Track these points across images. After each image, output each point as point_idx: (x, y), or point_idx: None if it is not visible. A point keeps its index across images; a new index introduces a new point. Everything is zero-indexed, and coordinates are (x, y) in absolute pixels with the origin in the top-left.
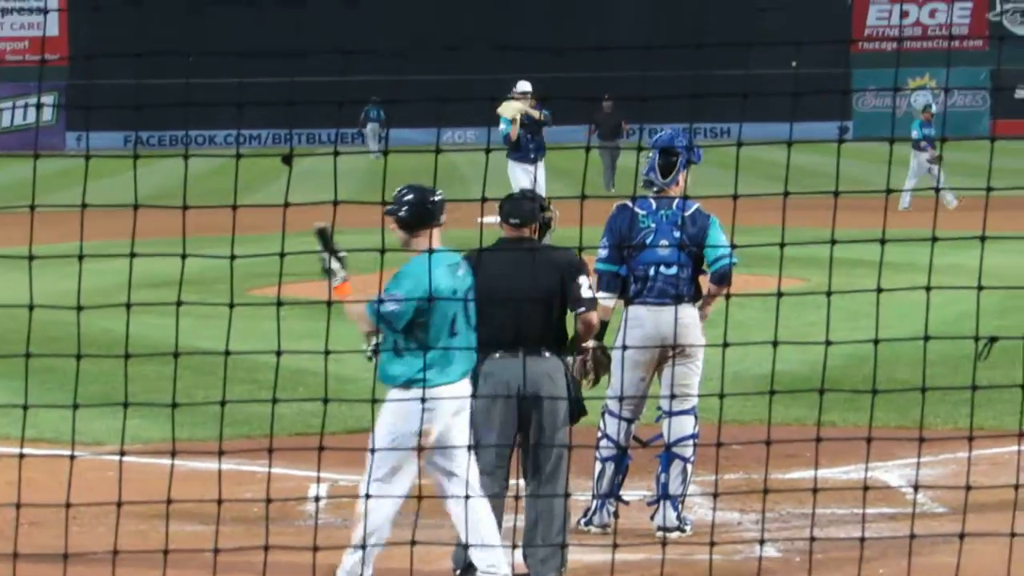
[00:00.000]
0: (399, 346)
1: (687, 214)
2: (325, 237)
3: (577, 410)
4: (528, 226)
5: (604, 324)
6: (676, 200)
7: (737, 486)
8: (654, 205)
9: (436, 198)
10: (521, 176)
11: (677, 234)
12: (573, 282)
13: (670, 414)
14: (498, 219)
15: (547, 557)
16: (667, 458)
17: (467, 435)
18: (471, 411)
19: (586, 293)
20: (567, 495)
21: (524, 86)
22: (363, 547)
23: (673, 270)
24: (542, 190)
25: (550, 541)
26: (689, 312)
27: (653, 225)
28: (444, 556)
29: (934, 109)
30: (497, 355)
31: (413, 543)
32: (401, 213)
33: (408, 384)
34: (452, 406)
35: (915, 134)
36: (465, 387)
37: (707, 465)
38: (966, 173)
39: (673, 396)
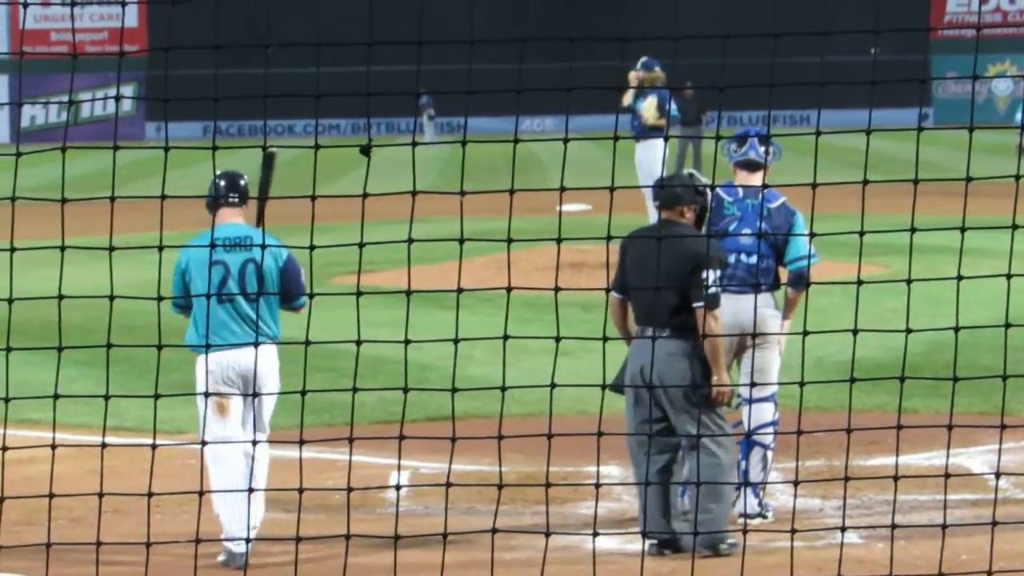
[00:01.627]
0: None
1: (773, 206)
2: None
3: (708, 393)
4: (671, 208)
5: None
6: (764, 191)
7: (819, 473)
8: (741, 193)
9: (221, 183)
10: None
11: (764, 226)
12: (696, 275)
13: (750, 401)
14: (579, 207)
15: (703, 537)
16: (747, 445)
17: (261, 402)
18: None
19: (712, 289)
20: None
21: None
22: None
23: (754, 259)
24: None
25: (700, 519)
26: (768, 301)
27: (738, 213)
28: (525, 542)
29: None
30: (636, 334)
31: (494, 531)
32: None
33: (194, 350)
34: (229, 372)
35: (1018, 117)
36: (240, 355)
37: (788, 452)
38: None
39: (752, 384)
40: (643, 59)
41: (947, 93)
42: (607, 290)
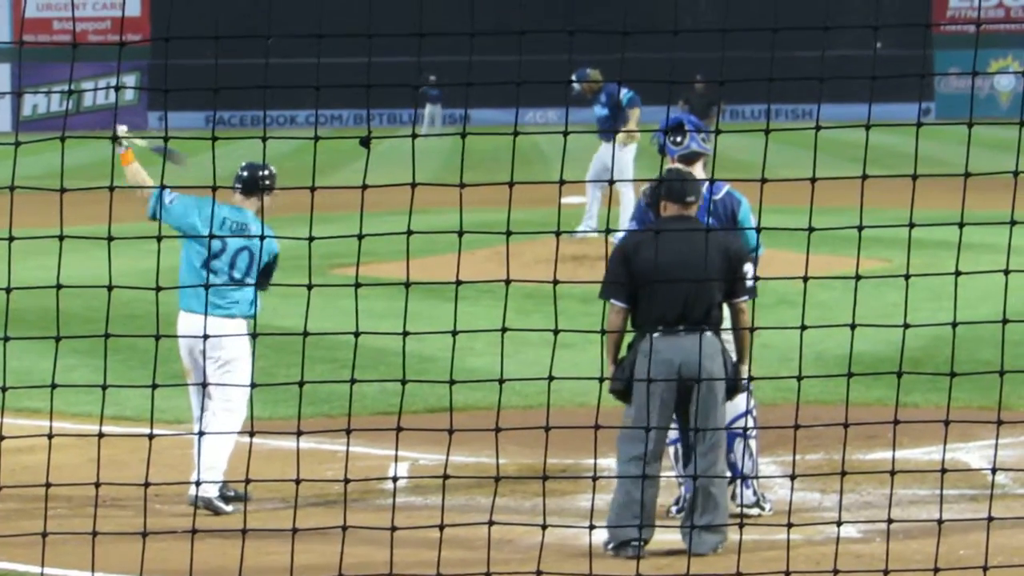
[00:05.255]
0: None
1: (718, 197)
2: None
3: (733, 388)
4: (684, 203)
5: None
6: (705, 183)
7: (819, 466)
8: None
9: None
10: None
11: (711, 220)
12: (738, 269)
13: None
14: (581, 200)
15: (710, 534)
16: (730, 438)
17: (212, 374)
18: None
19: (750, 283)
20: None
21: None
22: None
23: None
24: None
25: (714, 519)
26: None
27: None
28: (523, 534)
29: None
30: (657, 333)
31: (491, 523)
32: None
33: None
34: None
35: None
36: (190, 320)
37: (787, 445)
38: None
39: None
40: (575, 74)
41: (949, 88)
42: (603, 297)
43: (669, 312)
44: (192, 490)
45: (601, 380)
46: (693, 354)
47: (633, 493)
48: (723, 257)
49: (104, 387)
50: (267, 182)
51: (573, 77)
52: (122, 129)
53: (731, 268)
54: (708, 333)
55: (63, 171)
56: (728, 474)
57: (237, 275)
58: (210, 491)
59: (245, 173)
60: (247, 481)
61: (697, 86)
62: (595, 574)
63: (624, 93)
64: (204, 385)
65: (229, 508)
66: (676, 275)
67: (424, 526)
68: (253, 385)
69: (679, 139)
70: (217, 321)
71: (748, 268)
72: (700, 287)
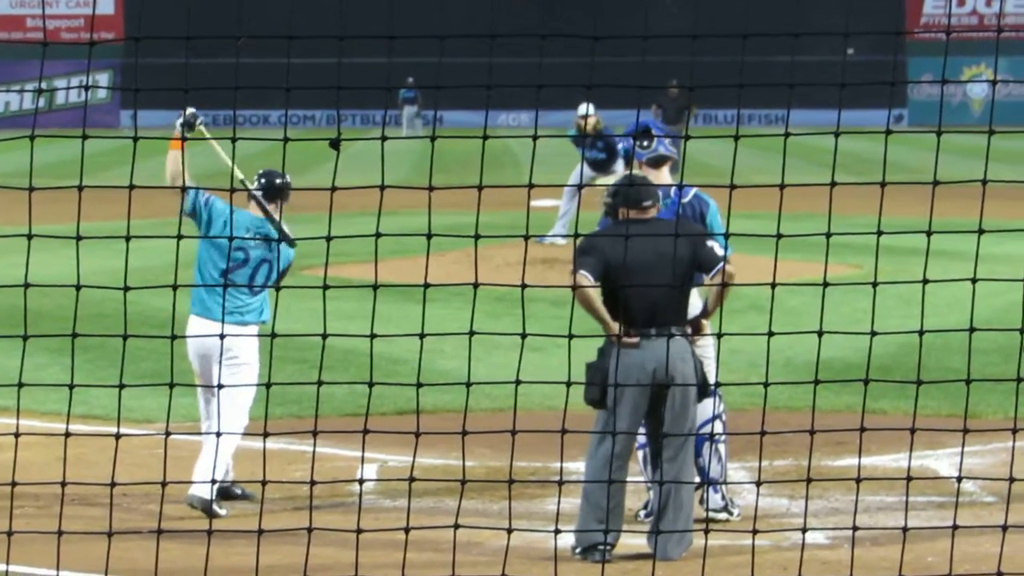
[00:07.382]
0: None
1: (686, 200)
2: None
3: (703, 390)
4: (654, 207)
5: None
6: (673, 187)
7: (787, 473)
8: None
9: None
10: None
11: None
12: (702, 250)
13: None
14: (551, 203)
15: (677, 539)
16: (699, 442)
17: (226, 377)
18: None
19: (720, 251)
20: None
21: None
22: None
23: None
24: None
25: (679, 524)
26: (694, 299)
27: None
28: (489, 538)
29: None
30: (630, 336)
31: (456, 527)
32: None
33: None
34: (193, 344)
35: None
36: (202, 326)
37: (754, 451)
38: (1017, 162)
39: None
40: (588, 113)
41: (922, 94)
42: (574, 287)
43: (638, 316)
44: (190, 490)
45: (569, 384)
46: (672, 359)
47: (601, 498)
48: (687, 248)
49: (71, 386)
50: (287, 189)
51: (583, 111)
52: (199, 119)
53: (694, 257)
54: (678, 337)
55: (32, 169)
56: (696, 479)
57: (258, 286)
58: (207, 493)
59: (264, 180)
60: (214, 482)
61: (671, 91)
62: None
63: (620, 146)
64: (218, 387)
65: (224, 512)
66: (641, 278)
67: (390, 528)
68: (252, 384)
69: (646, 143)
70: (231, 328)
71: (711, 243)
72: (668, 289)
